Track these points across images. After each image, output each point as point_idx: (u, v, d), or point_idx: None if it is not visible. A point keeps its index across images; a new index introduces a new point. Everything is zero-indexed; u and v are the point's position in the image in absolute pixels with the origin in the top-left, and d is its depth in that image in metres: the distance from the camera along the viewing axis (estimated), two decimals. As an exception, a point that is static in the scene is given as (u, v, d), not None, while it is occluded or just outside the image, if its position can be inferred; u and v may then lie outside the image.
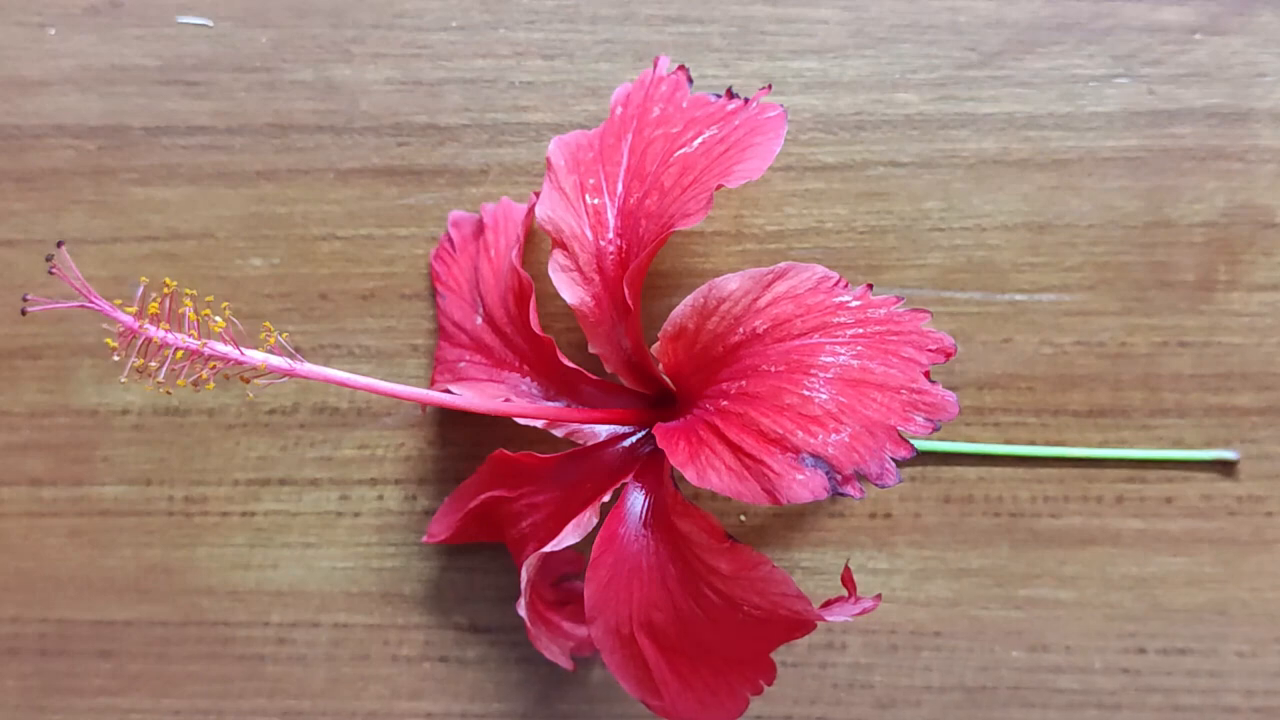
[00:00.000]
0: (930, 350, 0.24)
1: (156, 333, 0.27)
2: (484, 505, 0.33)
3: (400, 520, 0.38)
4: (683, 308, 0.27)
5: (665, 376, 0.29)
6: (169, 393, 0.29)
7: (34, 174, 0.38)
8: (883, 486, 0.23)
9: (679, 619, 0.26)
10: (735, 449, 0.24)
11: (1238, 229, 0.36)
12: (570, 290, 0.30)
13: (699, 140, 0.29)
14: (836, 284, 0.25)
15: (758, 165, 0.28)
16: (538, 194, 0.32)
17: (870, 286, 0.25)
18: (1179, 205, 0.36)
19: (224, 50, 0.38)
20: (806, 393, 0.24)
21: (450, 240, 0.35)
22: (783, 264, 0.26)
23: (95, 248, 0.38)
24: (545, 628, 0.33)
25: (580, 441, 0.32)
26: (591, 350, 0.31)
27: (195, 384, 0.28)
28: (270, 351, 0.28)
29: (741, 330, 0.25)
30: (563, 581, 0.34)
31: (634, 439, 0.31)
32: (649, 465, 0.29)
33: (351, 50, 0.38)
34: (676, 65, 0.32)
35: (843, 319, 0.25)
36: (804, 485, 0.23)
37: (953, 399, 0.24)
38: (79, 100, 0.38)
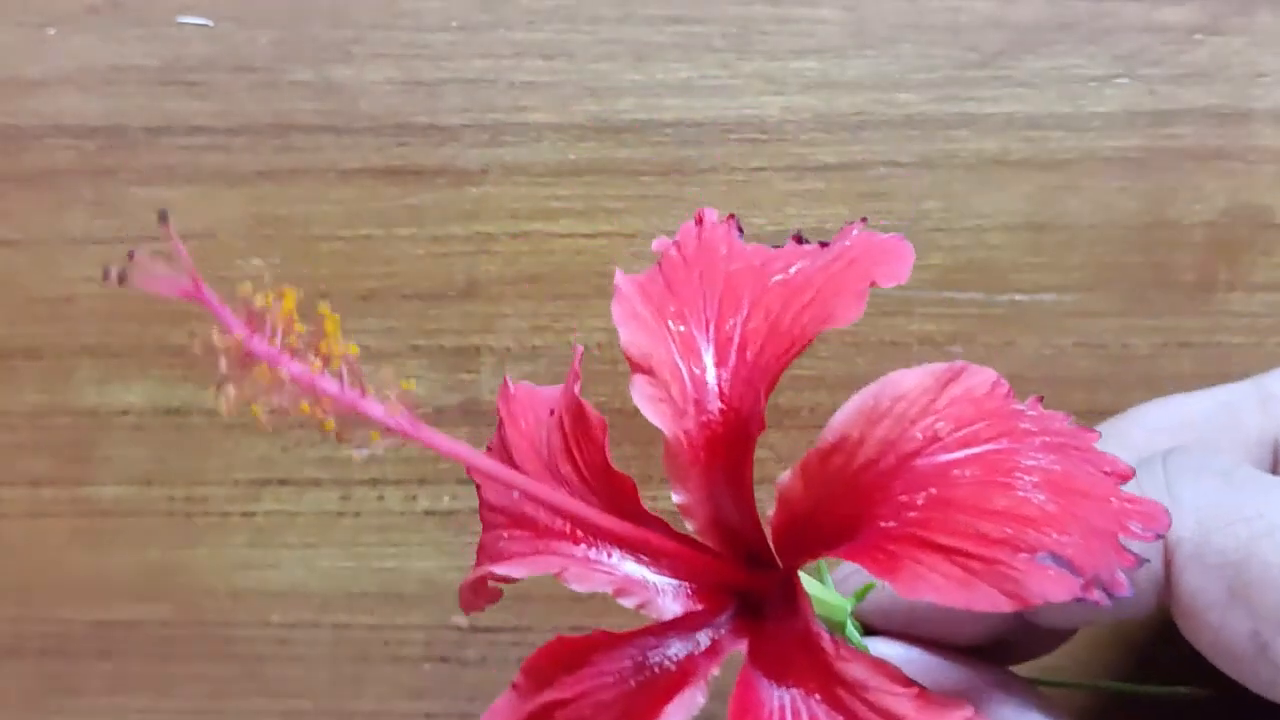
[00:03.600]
0: (1106, 472, 0.22)
1: (265, 349, 0.21)
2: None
3: (401, 521, 0.38)
4: (845, 414, 0.23)
5: (769, 532, 0.25)
6: (267, 428, 0.22)
7: (34, 174, 0.38)
8: (1115, 597, 0.21)
9: None
10: (952, 554, 0.21)
11: (1238, 229, 0.36)
12: (664, 421, 0.26)
13: (794, 268, 0.27)
14: (1009, 391, 0.23)
15: (900, 268, 0.25)
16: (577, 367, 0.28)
17: (1041, 399, 0.24)
18: (1179, 205, 0.36)
19: (224, 50, 0.38)
20: (1021, 494, 0.21)
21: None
22: (957, 362, 0.23)
23: (95, 248, 0.38)
24: None
25: (652, 615, 0.27)
26: (676, 499, 0.26)
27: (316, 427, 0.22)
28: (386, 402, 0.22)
29: (918, 434, 0.23)
30: None
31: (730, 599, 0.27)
32: (778, 617, 0.25)
33: (351, 50, 0.38)
34: (726, 215, 0.29)
35: (1028, 426, 0.23)
36: (1056, 583, 0.20)
37: (1163, 509, 0.21)
38: (79, 100, 0.38)
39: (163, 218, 0.21)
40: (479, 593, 0.27)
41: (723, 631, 0.26)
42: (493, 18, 0.37)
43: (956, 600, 0.21)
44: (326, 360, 0.22)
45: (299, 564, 0.38)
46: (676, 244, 0.29)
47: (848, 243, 0.27)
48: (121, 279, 0.21)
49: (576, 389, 0.27)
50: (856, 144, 0.37)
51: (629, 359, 0.26)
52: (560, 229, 0.37)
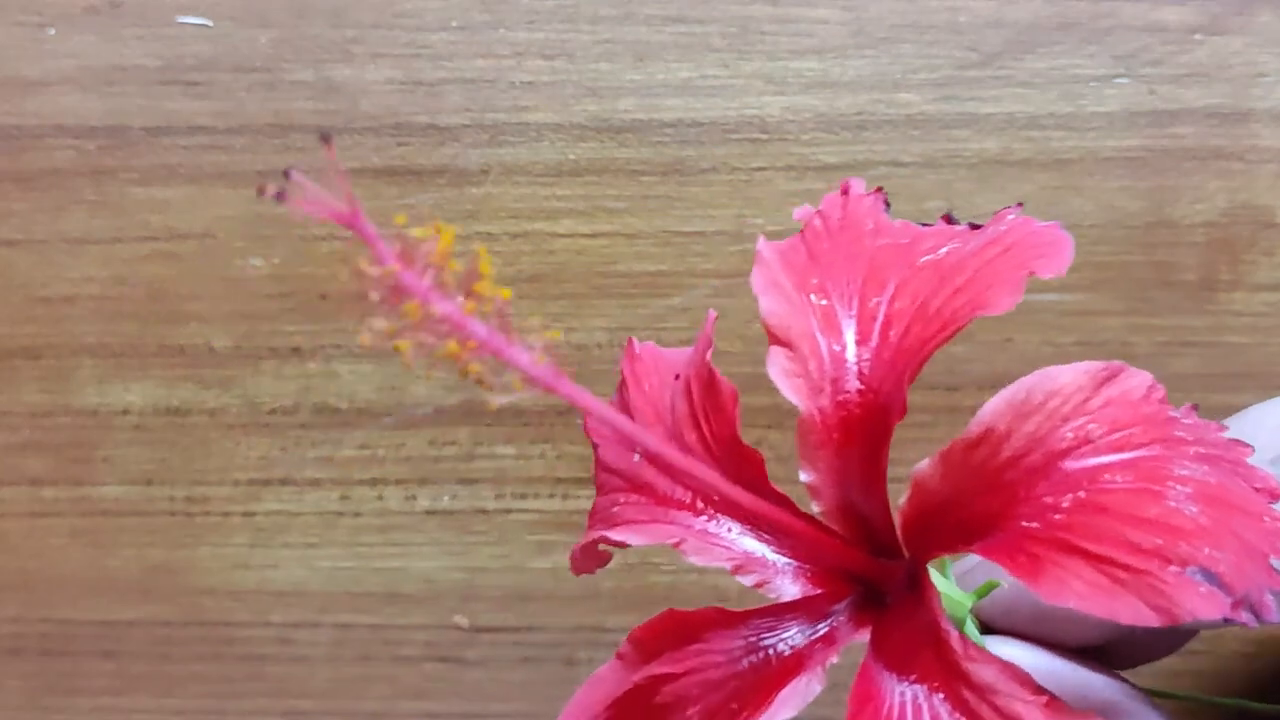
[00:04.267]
0: (1258, 489, 0.21)
1: (418, 283, 0.20)
2: (633, 696, 0.26)
3: (401, 520, 0.38)
4: (994, 406, 0.23)
5: (898, 521, 0.24)
6: (410, 368, 0.21)
7: (34, 174, 0.38)
8: (1262, 621, 0.20)
9: None
10: (1099, 561, 0.21)
11: (1239, 229, 0.36)
12: (800, 398, 0.25)
13: (945, 249, 0.26)
14: (1164, 396, 0.22)
15: (1060, 260, 0.24)
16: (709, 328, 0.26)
17: (1196, 407, 0.22)
18: (1180, 205, 0.36)
19: (224, 50, 0.38)
20: (1174, 504, 0.21)
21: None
22: (1114, 362, 0.23)
23: (95, 248, 0.38)
24: None
25: (770, 595, 0.26)
26: (804, 478, 0.26)
27: (459, 369, 0.21)
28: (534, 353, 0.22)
29: (1069, 434, 0.22)
30: None
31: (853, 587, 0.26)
32: (902, 609, 0.24)
33: (351, 50, 0.38)
34: (874, 188, 0.28)
35: (1182, 434, 0.22)
36: (1205, 601, 0.19)
37: None
38: (79, 100, 0.38)
39: (325, 139, 0.21)
40: (589, 556, 0.26)
41: (842, 619, 0.25)
42: (493, 18, 0.37)
43: (1100, 610, 0.20)
44: (479, 302, 0.21)
45: (300, 564, 0.38)
46: (820, 214, 0.27)
47: (1003, 227, 0.26)
48: (280, 197, 0.21)
49: (708, 355, 0.26)
50: (858, 144, 0.37)
51: (768, 330, 0.25)
52: (560, 229, 0.37)
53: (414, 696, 0.38)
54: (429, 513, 0.38)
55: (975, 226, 0.26)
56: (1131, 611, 0.20)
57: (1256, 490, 0.21)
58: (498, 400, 0.21)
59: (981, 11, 0.37)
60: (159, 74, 0.38)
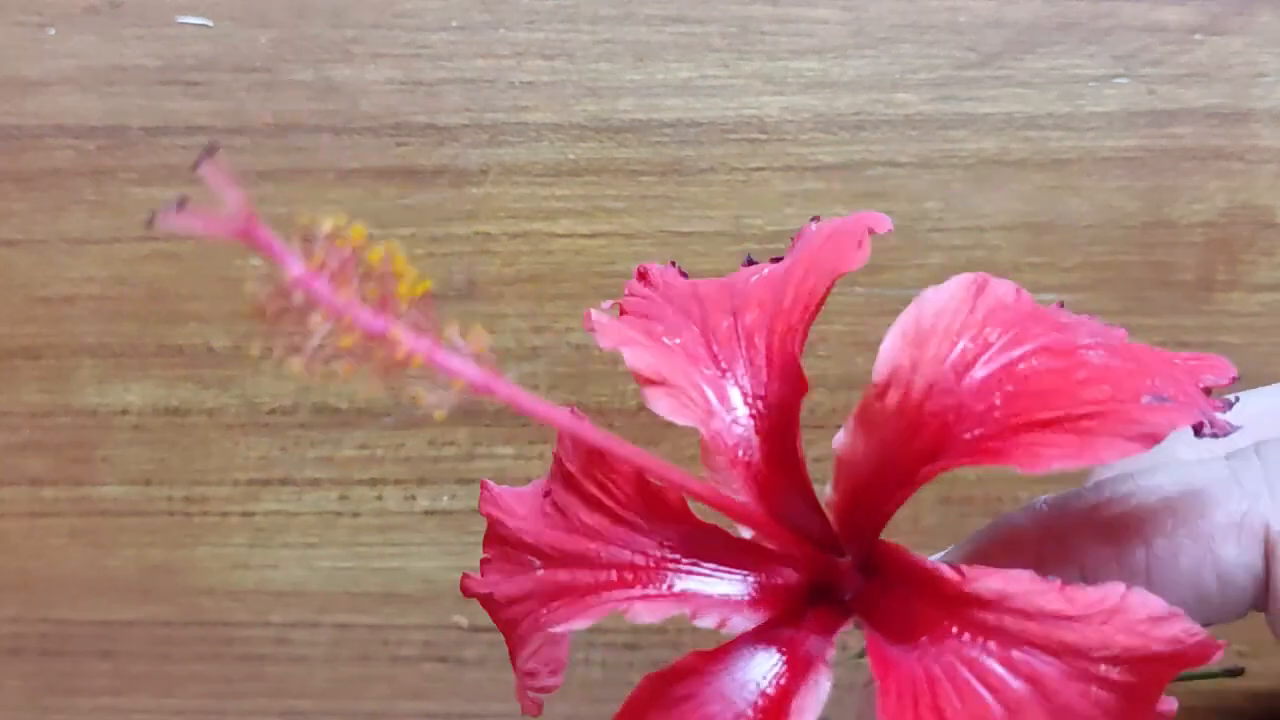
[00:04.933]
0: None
1: (327, 293, 0.19)
2: None
3: (401, 520, 0.38)
4: (889, 346, 0.22)
5: (830, 511, 0.24)
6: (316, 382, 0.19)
7: (34, 174, 0.38)
8: (1225, 433, 0.20)
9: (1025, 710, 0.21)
10: (1060, 424, 0.21)
11: (1238, 229, 0.36)
12: (695, 423, 0.25)
13: (766, 269, 0.26)
14: (1031, 298, 0.23)
15: (880, 219, 0.25)
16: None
17: (1062, 304, 0.23)
18: (1179, 205, 0.36)
19: (224, 50, 0.38)
20: (1098, 362, 0.21)
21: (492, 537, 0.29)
22: (979, 274, 0.23)
23: (95, 248, 0.38)
24: None
25: (735, 629, 0.25)
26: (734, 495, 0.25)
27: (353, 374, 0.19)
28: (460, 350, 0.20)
29: (969, 344, 0.22)
30: None
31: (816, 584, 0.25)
32: (877, 587, 0.24)
33: (351, 50, 0.38)
34: (667, 263, 0.28)
35: (1068, 321, 0.22)
36: (1174, 413, 0.20)
37: (1226, 361, 0.22)
38: (79, 100, 0.38)
39: (210, 151, 0.19)
40: (528, 701, 0.26)
41: (814, 624, 0.25)
42: (493, 18, 0.37)
43: (1086, 459, 0.20)
44: (395, 304, 0.19)
45: (299, 564, 0.38)
46: (630, 293, 0.28)
47: (812, 229, 0.27)
48: (180, 210, 0.19)
49: (586, 423, 0.24)
50: (856, 144, 0.37)
51: (638, 377, 0.25)
52: (560, 229, 0.37)
53: (413, 696, 0.38)
54: (428, 513, 0.38)
55: (776, 259, 0.27)
56: (1114, 449, 0.20)
57: (1145, 347, 0.22)
58: (436, 409, 0.20)
59: (981, 11, 0.37)
60: (159, 74, 0.38)
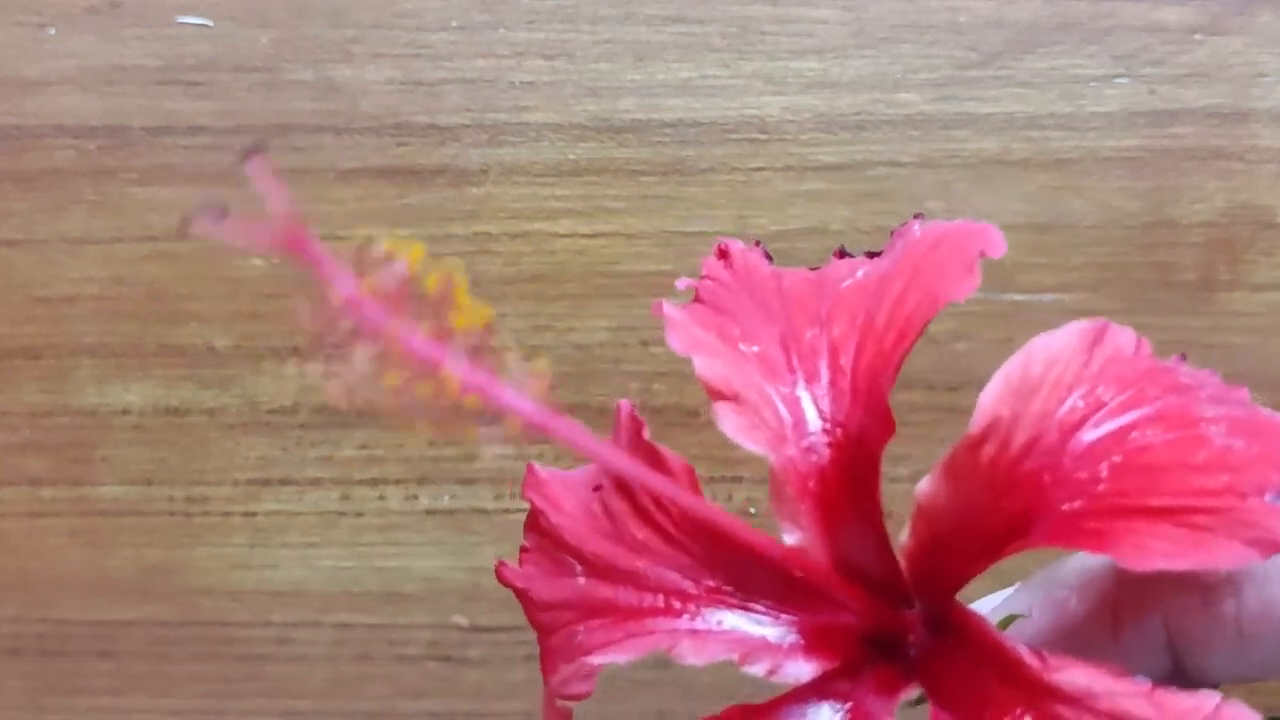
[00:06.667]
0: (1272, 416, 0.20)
1: (379, 320, 0.17)
2: None
3: (401, 520, 0.38)
4: (991, 394, 0.21)
5: (901, 561, 0.22)
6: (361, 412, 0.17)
7: (34, 174, 0.38)
8: None
9: None
10: (1171, 514, 0.19)
11: (1238, 229, 0.36)
12: (765, 449, 0.23)
13: (860, 273, 0.24)
14: (1150, 350, 0.21)
15: (995, 237, 0.23)
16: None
17: (1184, 357, 0.21)
18: (1180, 205, 0.36)
19: (224, 50, 0.38)
20: (1219, 443, 0.19)
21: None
22: (1098, 320, 0.21)
23: (95, 248, 0.38)
24: None
25: (789, 679, 0.23)
26: (788, 539, 0.23)
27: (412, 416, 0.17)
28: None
29: (1080, 402, 0.21)
30: None
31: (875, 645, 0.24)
32: (945, 649, 0.22)
33: (351, 50, 0.38)
34: (752, 243, 0.26)
35: (1188, 381, 0.21)
36: None
37: None
38: (79, 100, 0.38)
39: (259, 148, 0.17)
40: (556, 713, 0.24)
41: (871, 685, 0.23)
42: (493, 18, 0.37)
43: (1195, 560, 0.19)
44: (452, 335, 0.17)
45: (299, 564, 0.38)
46: (708, 275, 0.25)
47: (917, 234, 0.25)
48: (218, 219, 0.17)
49: (646, 435, 0.24)
50: (857, 144, 0.37)
51: (708, 388, 0.23)
52: (560, 229, 0.37)
53: (414, 696, 0.38)
54: (429, 512, 0.38)
55: (873, 254, 0.25)
56: (1229, 554, 0.18)
57: (1272, 418, 0.20)
58: (490, 452, 0.18)
59: (981, 11, 0.37)
60: (159, 74, 0.38)
